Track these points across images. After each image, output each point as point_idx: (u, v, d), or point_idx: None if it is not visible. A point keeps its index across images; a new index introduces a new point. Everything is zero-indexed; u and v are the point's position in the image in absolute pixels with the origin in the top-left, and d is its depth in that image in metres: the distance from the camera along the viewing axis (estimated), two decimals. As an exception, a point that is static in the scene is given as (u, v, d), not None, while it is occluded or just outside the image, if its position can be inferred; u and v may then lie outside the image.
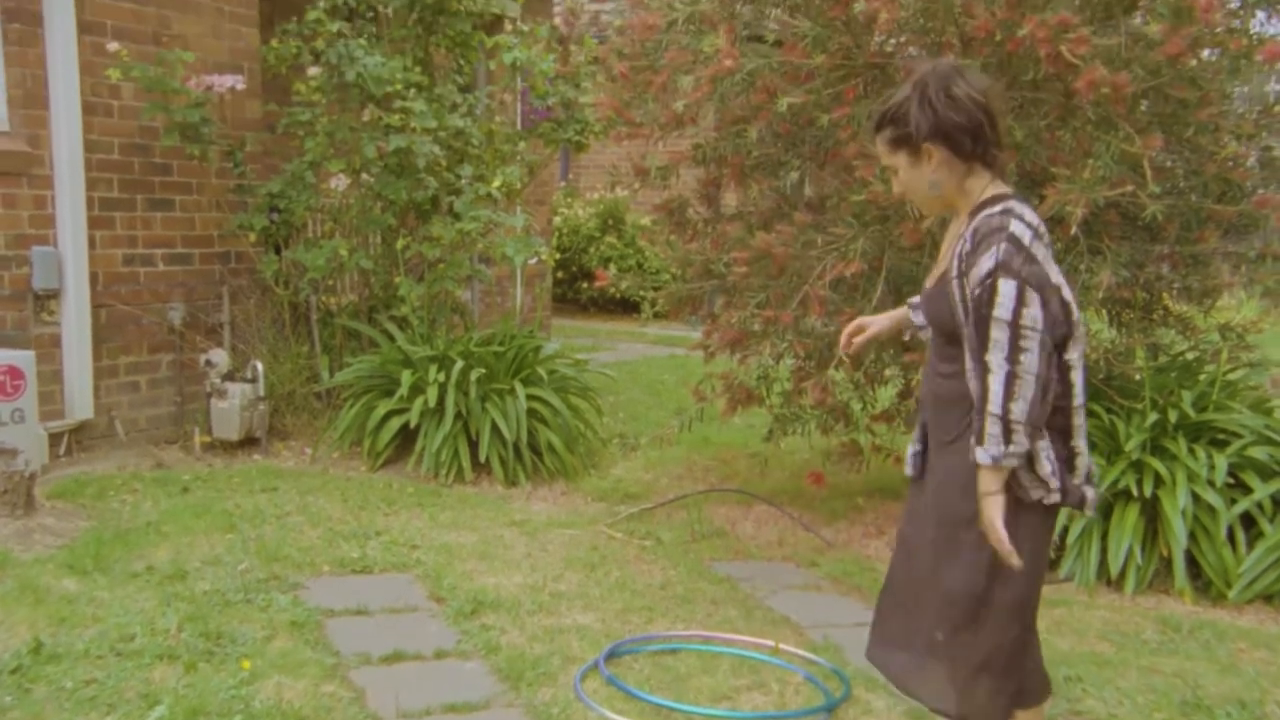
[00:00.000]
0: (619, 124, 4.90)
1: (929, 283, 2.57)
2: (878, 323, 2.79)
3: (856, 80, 4.28)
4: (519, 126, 7.76)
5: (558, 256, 11.86)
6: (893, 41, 4.44)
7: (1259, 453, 4.39)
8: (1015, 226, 2.27)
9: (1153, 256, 4.54)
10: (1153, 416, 4.49)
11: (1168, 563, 4.35)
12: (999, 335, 2.24)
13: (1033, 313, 2.22)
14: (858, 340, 2.77)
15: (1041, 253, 2.29)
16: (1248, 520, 4.32)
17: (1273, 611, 4.23)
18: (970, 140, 2.36)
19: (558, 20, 7.49)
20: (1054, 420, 2.35)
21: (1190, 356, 4.96)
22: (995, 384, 2.25)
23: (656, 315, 5.45)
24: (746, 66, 4.19)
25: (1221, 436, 4.53)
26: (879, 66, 4.32)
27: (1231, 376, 4.80)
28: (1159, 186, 3.97)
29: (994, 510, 2.31)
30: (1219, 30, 3.93)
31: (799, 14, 4.26)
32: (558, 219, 12.25)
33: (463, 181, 6.31)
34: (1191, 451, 4.40)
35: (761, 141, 4.75)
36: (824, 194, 4.92)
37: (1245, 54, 3.93)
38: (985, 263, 2.26)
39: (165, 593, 3.83)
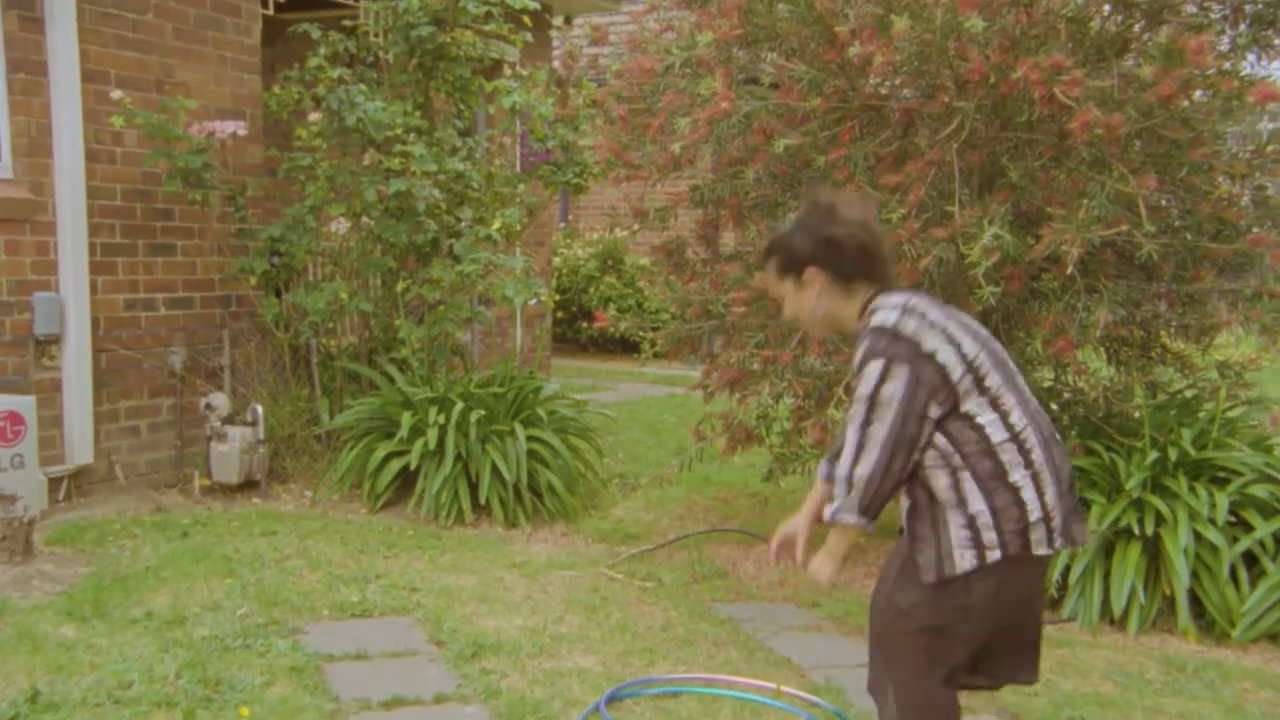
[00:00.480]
0: (617, 166, 4.94)
1: None
2: (800, 522, 2.84)
3: (852, 122, 4.32)
4: (518, 169, 7.81)
5: (557, 297, 11.89)
6: (887, 84, 4.49)
7: (1260, 490, 4.38)
8: (877, 318, 2.47)
9: (1149, 295, 4.56)
10: (1153, 454, 4.48)
11: (1171, 602, 4.33)
12: (856, 409, 2.44)
13: (892, 387, 2.38)
14: (794, 553, 2.81)
15: (912, 325, 2.43)
16: (1250, 558, 4.30)
17: (1277, 651, 4.21)
18: (848, 262, 2.53)
19: (556, 64, 7.56)
20: (982, 464, 2.43)
21: (1189, 394, 4.97)
22: (846, 451, 2.45)
23: (656, 355, 5.47)
24: (743, 109, 4.24)
25: (1222, 474, 4.52)
26: (874, 108, 4.36)
27: (1231, 414, 4.81)
28: (1154, 226, 4.00)
29: (822, 568, 2.56)
30: (1210, 72, 3.98)
31: (795, 58, 4.31)
32: (557, 260, 12.30)
33: (463, 224, 6.35)
34: (1192, 489, 4.39)
35: (759, 182, 4.79)
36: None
37: (1237, 95, 3.96)
38: (858, 356, 2.47)
39: (164, 639, 3.81)
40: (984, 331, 2.57)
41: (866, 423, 2.40)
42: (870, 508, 2.44)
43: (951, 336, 2.43)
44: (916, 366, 2.38)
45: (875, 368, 2.40)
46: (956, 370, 2.42)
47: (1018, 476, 2.43)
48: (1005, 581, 2.48)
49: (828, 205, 2.56)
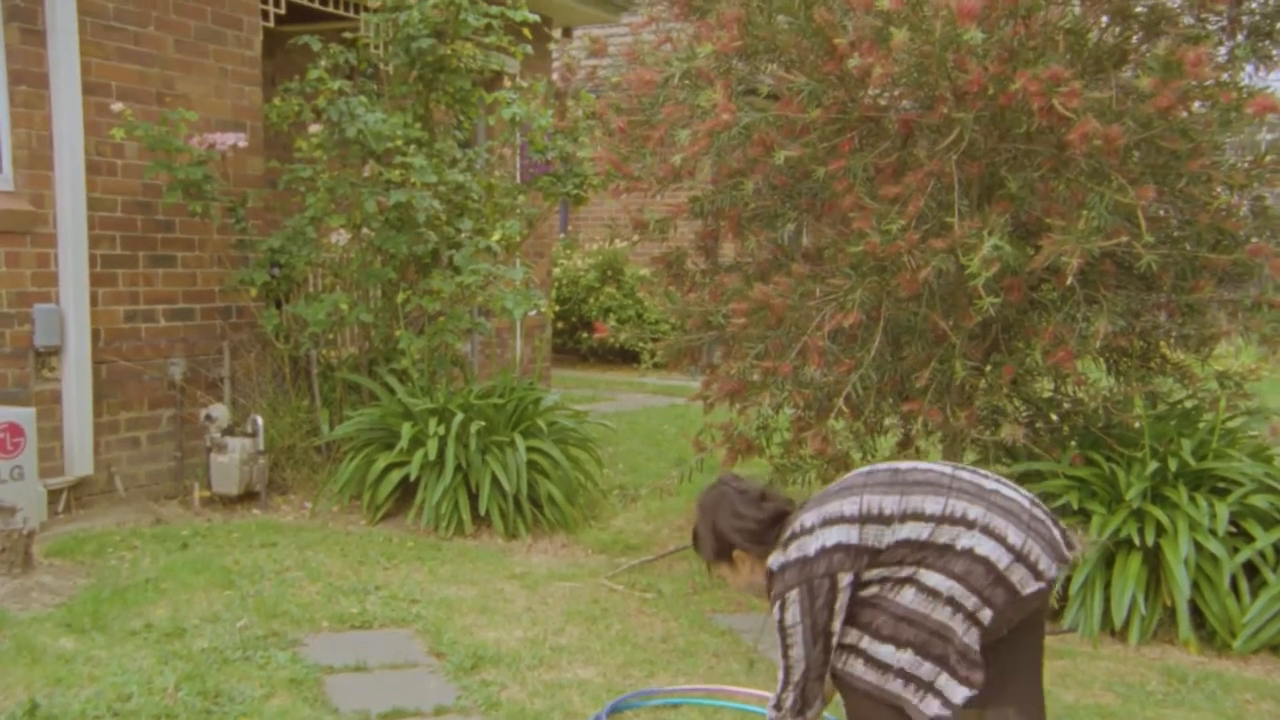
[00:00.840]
0: (617, 177, 4.94)
1: None
2: None
3: (852, 133, 4.33)
4: (518, 180, 7.83)
5: (557, 308, 11.90)
6: (887, 95, 4.49)
7: (1260, 501, 4.38)
8: (771, 560, 2.69)
9: (1149, 305, 4.57)
10: (1153, 465, 4.48)
11: (1171, 612, 4.33)
12: (782, 644, 2.65)
13: (789, 614, 2.60)
14: None
15: (797, 545, 2.63)
16: (1250, 569, 4.30)
17: (1279, 662, 4.20)
18: (759, 534, 2.75)
19: (555, 76, 7.58)
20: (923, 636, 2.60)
21: (1189, 404, 4.97)
22: (778, 683, 2.69)
23: (656, 366, 5.47)
24: (743, 120, 4.24)
25: (1222, 484, 4.52)
26: (873, 119, 4.37)
27: (1231, 424, 4.81)
28: (1153, 236, 4.00)
29: None
30: (1208, 83, 3.99)
31: (794, 69, 4.32)
32: (557, 270, 12.32)
33: (462, 235, 6.36)
34: (1193, 500, 4.39)
35: (758, 194, 4.80)
36: (821, 245, 4.96)
37: (1235, 106, 3.97)
38: (772, 594, 2.70)
39: (163, 651, 3.80)
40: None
41: (785, 648, 2.67)
42: None
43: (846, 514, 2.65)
44: (812, 581, 2.60)
45: (775, 608, 2.65)
46: (866, 547, 2.63)
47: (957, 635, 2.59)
48: None
49: (726, 497, 2.83)
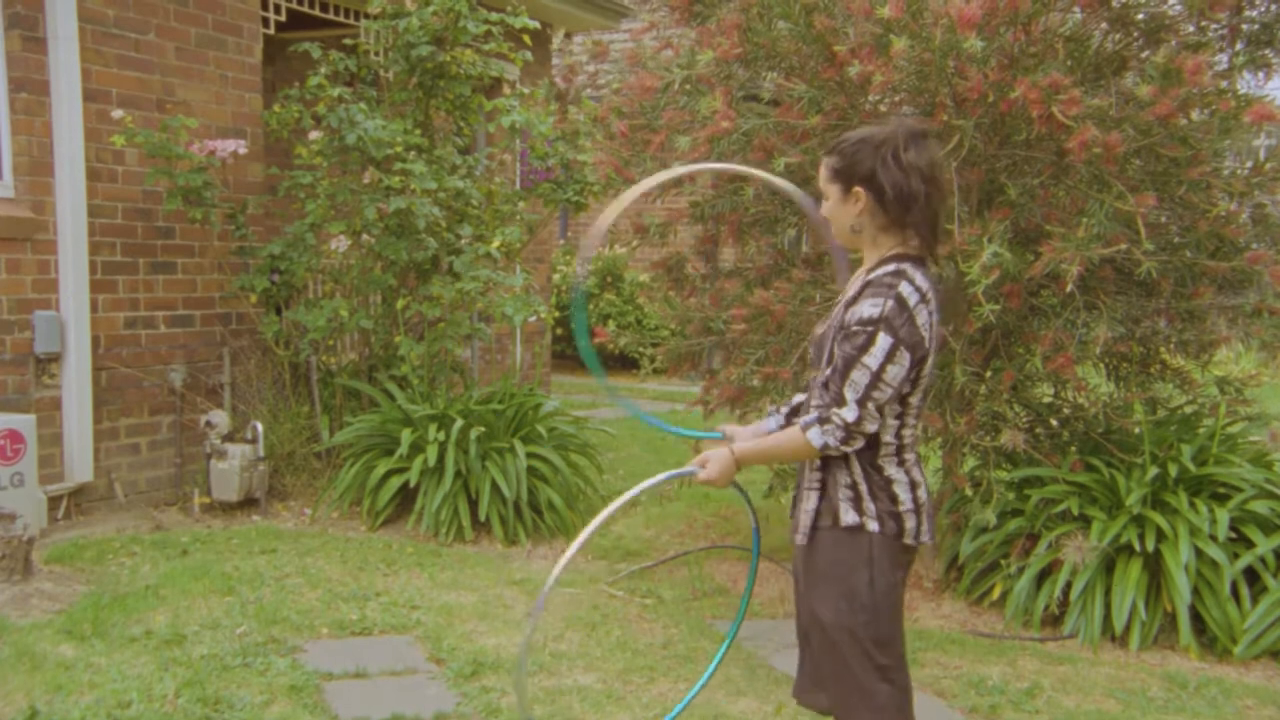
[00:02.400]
0: (618, 183, 4.95)
1: (819, 329, 2.67)
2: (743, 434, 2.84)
3: (847, 139, 4.33)
4: (518, 186, 7.83)
5: (557, 314, 11.90)
6: (887, 102, 4.50)
7: (1260, 506, 4.38)
8: (904, 288, 2.39)
9: (1149, 311, 4.57)
10: (1153, 470, 4.48)
11: (1172, 618, 4.32)
12: (859, 378, 2.39)
13: (895, 370, 2.37)
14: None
15: (924, 317, 2.40)
16: (1251, 575, 4.30)
17: (1279, 667, 4.20)
18: (899, 204, 2.43)
19: (557, 78, 7.59)
20: (865, 453, 2.47)
21: (1189, 410, 4.97)
22: (846, 409, 2.40)
23: (655, 371, 5.47)
24: (743, 126, 4.25)
25: (1222, 490, 4.52)
26: (873, 127, 4.37)
27: (1231, 430, 4.81)
28: (1153, 243, 4.01)
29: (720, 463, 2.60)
30: (1208, 91, 4.00)
31: (795, 76, 4.33)
32: (557, 276, 12.32)
33: (462, 241, 6.36)
34: (1193, 505, 4.40)
35: (758, 199, 4.81)
36: (821, 250, 4.96)
37: (1234, 114, 3.98)
38: (868, 310, 2.39)
39: (163, 658, 3.80)
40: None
41: (869, 396, 2.38)
42: (847, 443, 2.44)
43: (927, 347, 2.43)
44: (916, 357, 2.39)
45: (886, 343, 2.36)
46: (930, 365, 2.48)
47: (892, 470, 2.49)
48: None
49: (903, 136, 2.44)
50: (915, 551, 2.57)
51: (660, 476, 2.71)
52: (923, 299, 2.40)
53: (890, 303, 2.37)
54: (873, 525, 2.45)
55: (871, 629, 2.45)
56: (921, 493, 2.51)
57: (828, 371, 2.45)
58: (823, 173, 2.54)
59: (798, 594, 2.64)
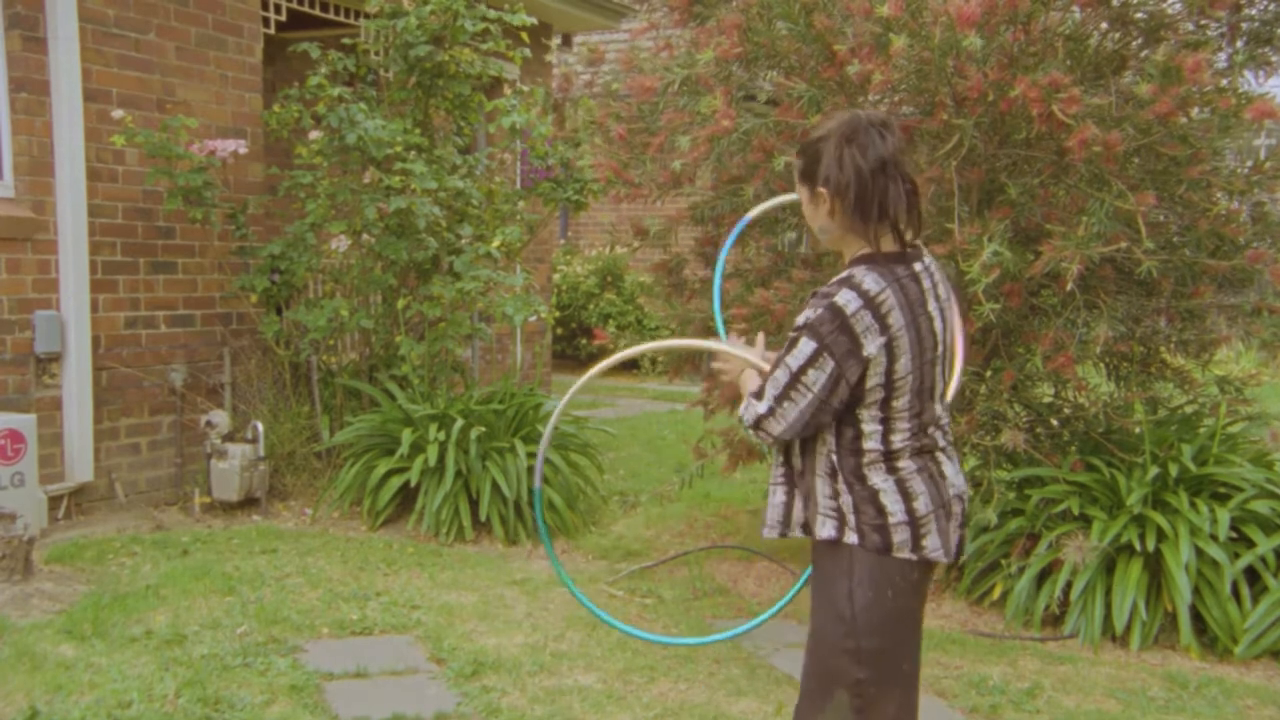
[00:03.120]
0: (618, 184, 4.95)
1: None
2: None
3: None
4: (519, 186, 7.83)
5: (557, 314, 11.90)
6: (886, 101, 4.50)
7: (1261, 506, 4.38)
8: (842, 296, 2.29)
9: (1149, 311, 4.57)
10: (1153, 470, 4.48)
11: (1173, 618, 4.32)
12: (780, 377, 2.36)
13: (816, 375, 2.31)
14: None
15: (866, 321, 2.28)
16: (1252, 574, 4.30)
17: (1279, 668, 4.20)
18: (858, 202, 2.33)
19: (554, 85, 7.60)
20: (847, 461, 2.39)
21: (1189, 410, 4.97)
22: (762, 401, 2.39)
23: (656, 372, 5.46)
24: (743, 126, 4.25)
25: (1223, 490, 4.52)
26: (873, 126, 4.37)
27: (1231, 429, 4.81)
28: (1153, 242, 4.01)
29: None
30: (1208, 89, 4.00)
31: (794, 75, 4.33)
32: (557, 276, 12.32)
33: (463, 241, 6.36)
34: (1193, 505, 4.39)
35: (758, 199, 4.80)
36: (820, 251, 4.96)
37: (1234, 112, 3.98)
38: (800, 317, 2.35)
39: (163, 658, 3.80)
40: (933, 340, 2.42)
41: (786, 396, 2.35)
42: (754, 431, 2.43)
43: (868, 353, 2.30)
44: (844, 367, 2.29)
45: (809, 348, 2.31)
46: (875, 381, 2.34)
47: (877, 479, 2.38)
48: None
49: (842, 132, 2.34)
50: (920, 566, 2.39)
51: (693, 342, 2.69)
52: (867, 304, 2.28)
53: (821, 310, 2.30)
54: (851, 538, 2.36)
55: (850, 641, 2.37)
56: (921, 504, 2.35)
57: None
58: (795, 175, 2.48)
59: None
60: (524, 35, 6.70)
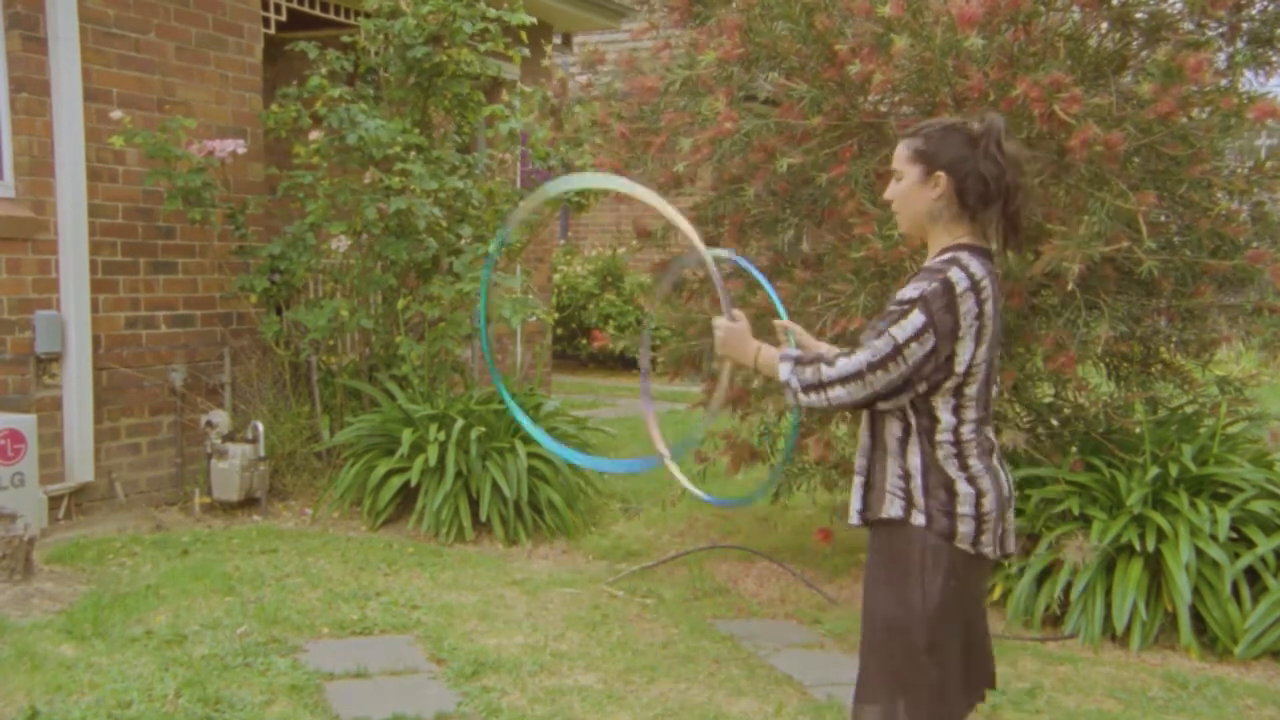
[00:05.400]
0: (618, 184, 4.93)
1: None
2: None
3: (852, 140, 4.34)
4: (519, 186, 7.83)
5: (557, 314, 11.90)
6: (887, 101, 4.50)
7: (1261, 506, 4.38)
8: (954, 273, 2.36)
9: (1149, 311, 4.57)
10: (1153, 470, 4.48)
11: (1173, 618, 4.32)
12: (883, 345, 2.34)
13: (918, 350, 2.33)
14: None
15: (969, 304, 2.35)
16: (1252, 575, 4.30)
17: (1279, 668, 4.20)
18: (980, 195, 2.41)
19: (550, 92, 7.59)
20: (921, 447, 2.41)
21: (1190, 410, 4.97)
22: (843, 365, 2.37)
23: (657, 372, 5.46)
24: (744, 128, 4.25)
25: (1223, 490, 4.52)
26: (874, 126, 4.38)
27: (1232, 429, 4.81)
28: (1154, 242, 4.00)
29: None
30: (1208, 89, 3.99)
31: (795, 76, 4.33)
32: (557, 276, 12.32)
33: (463, 241, 6.36)
34: (1193, 505, 4.39)
35: (759, 200, 4.80)
36: (821, 251, 4.96)
37: (1235, 112, 3.98)
38: (910, 291, 2.37)
39: (163, 658, 3.80)
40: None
41: (881, 366, 2.34)
42: (803, 401, 2.42)
43: (962, 335, 2.36)
44: (941, 346, 2.34)
45: (918, 320, 2.32)
46: (961, 366, 2.38)
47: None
48: None
49: (1002, 128, 2.42)
50: (979, 562, 2.43)
51: (702, 250, 2.62)
52: (973, 286, 2.35)
53: (935, 285, 2.33)
54: (919, 519, 2.39)
55: (916, 633, 2.39)
56: (989, 502, 2.39)
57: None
58: (902, 153, 2.51)
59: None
60: (523, 35, 6.70)
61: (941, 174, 2.43)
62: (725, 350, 2.61)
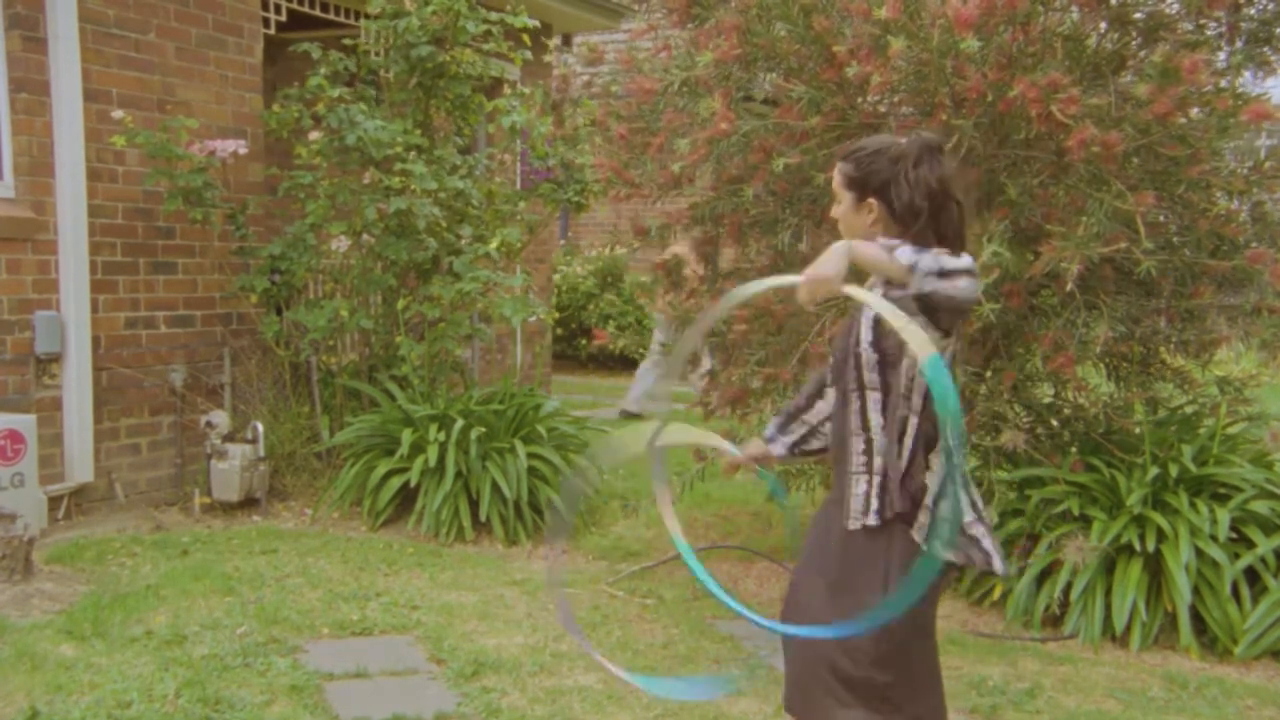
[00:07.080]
0: (618, 183, 4.95)
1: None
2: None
3: (851, 140, 4.34)
4: (519, 186, 7.83)
5: (557, 314, 11.90)
6: (886, 102, 4.50)
7: (1261, 506, 4.38)
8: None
9: (1149, 311, 4.57)
10: (1153, 471, 4.48)
11: (1173, 618, 4.32)
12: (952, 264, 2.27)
13: (969, 284, 2.29)
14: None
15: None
16: (1252, 575, 4.30)
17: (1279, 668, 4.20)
18: (910, 218, 2.43)
19: (552, 86, 7.60)
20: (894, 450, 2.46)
21: (1189, 410, 4.97)
22: (957, 260, 2.27)
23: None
24: (742, 128, 4.25)
25: (1223, 490, 4.52)
26: (872, 126, 4.38)
27: (1231, 430, 4.81)
28: (1152, 242, 4.01)
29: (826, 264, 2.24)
30: (1206, 89, 3.99)
31: (794, 77, 4.33)
32: (557, 276, 12.31)
33: (463, 242, 6.37)
34: (1193, 506, 4.39)
35: (758, 200, 4.80)
36: (820, 251, 4.96)
37: (1233, 112, 3.98)
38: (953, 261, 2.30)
39: (163, 658, 3.80)
40: None
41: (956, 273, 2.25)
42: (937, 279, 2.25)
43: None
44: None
45: (968, 269, 2.28)
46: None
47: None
48: None
49: (915, 151, 2.44)
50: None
51: (760, 284, 2.50)
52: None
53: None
54: (896, 523, 2.47)
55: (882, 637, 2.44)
56: (944, 508, 2.42)
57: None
58: (837, 177, 2.55)
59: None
60: (525, 37, 6.71)
61: (872, 200, 2.47)
62: (818, 270, 2.24)
